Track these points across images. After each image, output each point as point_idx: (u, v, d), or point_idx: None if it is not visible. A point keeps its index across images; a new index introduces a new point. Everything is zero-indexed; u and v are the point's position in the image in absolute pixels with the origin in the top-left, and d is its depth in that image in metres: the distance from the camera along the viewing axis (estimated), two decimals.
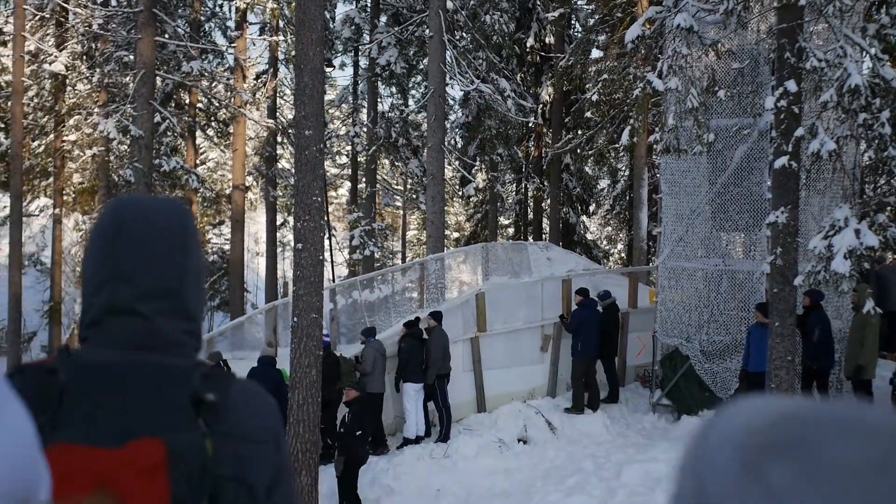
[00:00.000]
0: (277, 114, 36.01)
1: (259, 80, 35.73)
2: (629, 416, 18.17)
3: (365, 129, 33.99)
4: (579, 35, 31.39)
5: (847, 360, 15.14)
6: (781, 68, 12.66)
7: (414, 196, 43.66)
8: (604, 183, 42.41)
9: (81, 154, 30.65)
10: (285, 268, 49.62)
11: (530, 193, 36.57)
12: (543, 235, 36.06)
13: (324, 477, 12.77)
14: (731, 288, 17.48)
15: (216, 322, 42.04)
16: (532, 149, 35.22)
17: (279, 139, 36.39)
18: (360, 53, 35.65)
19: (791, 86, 12.35)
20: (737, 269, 17.52)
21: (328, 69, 35.71)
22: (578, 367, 17.93)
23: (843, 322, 16.10)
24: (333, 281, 35.68)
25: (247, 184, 35.24)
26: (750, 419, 0.99)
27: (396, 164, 36.05)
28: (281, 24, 33.67)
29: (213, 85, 32.50)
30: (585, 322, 17.88)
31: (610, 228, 43.26)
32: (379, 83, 34.33)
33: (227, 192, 40.18)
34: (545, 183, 34.55)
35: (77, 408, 1.70)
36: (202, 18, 33.22)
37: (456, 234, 50.09)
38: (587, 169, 38.34)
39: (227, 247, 41.78)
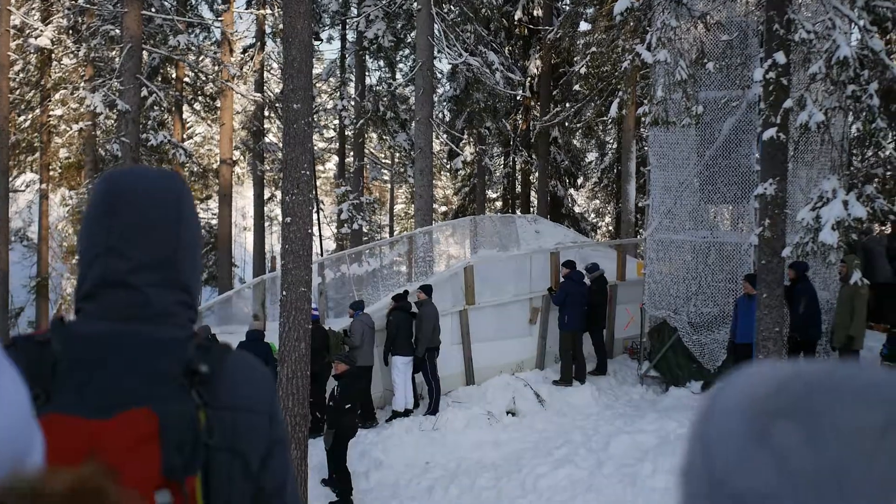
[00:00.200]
0: (265, 88, 35.89)
1: (246, 54, 35.60)
2: (617, 388, 18.23)
3: (352, 103, 33.88)
4: (567, 8, 31.25)
5: (836, 331, 15.17)
6: (770, 40, 12.64)
7: (402, 170, 43.59)
8: (592, 156, 42.41)
9: (68, 129, 30.56)
10: (273, 242, 49.62)
11: (518, 167, 36.54)
12: (531, 209, 36.05)
13: (313, 450, 12.80)
14: (719, 260, 17.52)
15: (204, 297, 41.98)
16: (520, 122, 35.14)
17: (266, 113, 36.28)
18: (347, 27, 35.49)
19: (780, 58, 12.34)
20: (725, 241, 17.55)
21: (316, 42, 35.57)
22: (566, 339, 17.97)
23: (830, 293, 16.16)
24: (322, 255, 35.66)
25: (234, 158, 35.12)
26: (756, 386, 0.99)
27: (384, 137, 35.94)
28: None
29: (200, 59, 32.37)
30: (572, 295, 17.90)
31: (598, 201, 43.25)
32: (367, 57, 34.18)
33: (215, 166, 40.09)
34: (533, 156, 34.49)
35: (70, 379, 1.70)
36: None
37: (444, 208, 50.08)
38: (575, 142, 38.33)
39: (214, 221, 41.65)
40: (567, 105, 32.42)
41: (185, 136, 37.25)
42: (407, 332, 16.52)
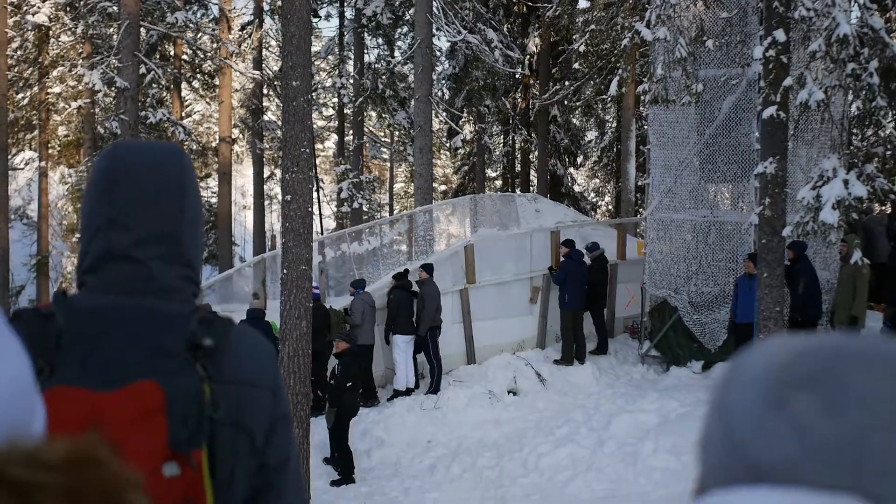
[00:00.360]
0: (263, 65, 35.77)
1: (244, 31, 35.47)
2: (618, 368, 18.26)
3: (351, 81, 33.82)
4: None
5: (837, 311, 15.17)
6: (770, 18, 12.62)
7: (401, 148, 43.54)
8: (591, 135, 42.28)
9: (66, 106, 30.53)
10: (273, 221, 49.54)
11: (518, 145, 36.47)
12: (531, 187, 36.02)
13: (315, 429, 12.81)
14: (720, 239, 17.52)
15: (205, 275, 41.81)
16: (519, 100, 35.07)
17: (265, 91, 36.19)
18: (345, 4, 35.37)
19: (779, 35, 12.32)
20: (725, 220, 17.55)
21: (314, 20, 35.46)
22: (567, 318, 17.99)
23: (830, 273, 16.17)
24: (322, 233, 35.66)
25: (233, 136, 35.06)
26: (775, 355, 0.99)
27: (383, 115, 35.90)
28: None
29: (198, 36, 32.25)
30: (572, 274, 17.90)
31: (597, 180, 43.19)
32: (365, 34, 34.08)
33: (214, 144, 40.01)
34: (532, 135, 34.43)
35: (74, 352, 1.71)
36: None
37: (443, 187, 49.99)
38: (575, 120, 38.23)
39: (214, 200, 41.58)
40: (566, 83, 32.35)
41: (183, 113, 37.19)
42: (408, 311, 16.52)
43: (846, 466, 0.90)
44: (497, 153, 39.71)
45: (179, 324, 1.79)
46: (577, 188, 39.42)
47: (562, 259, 18.35)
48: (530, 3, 31.95)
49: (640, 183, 28.42)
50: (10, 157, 30.09)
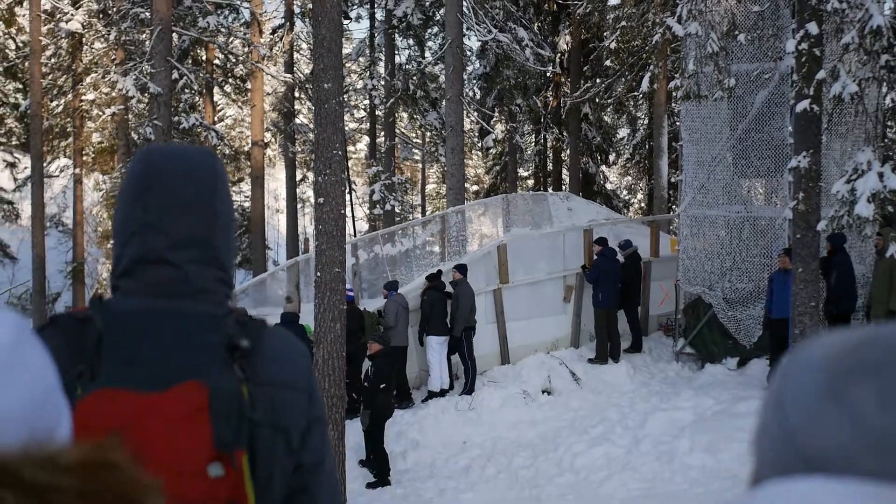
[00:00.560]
0: (295, 68, 35.90)
1: (276, 35, 35.57)
2: (653, 366, 18.20)
3: (382, 82, 33.86)
4: None
5: (874, 305, 15.00)
6: (802, 10, 12.54)
7: (433, 149, 43.59)
8: (623, 132, 42.18)
9: (100, 113, 30.72)
10: (306, 224, 49.76)
11: (549, 144, 36.39)
12: (563, 186, 35.91)
13: (350, 431, 12.83)
14: (754, 235, 17.43)
15: (238, 279, 42.15)
16: (551, 99, 35.00)
17: (297, 94, 36.34)
18: (376, 5, 35.41)
19: (812, 28, 12.24)
20: (759, 215, 17.46)
21: (345, 21, 35.54)
22: (600, 317, 17.95)
23: (866, 267, 16.03)
24: (355, 236, 35.75)
25: (265, 140, 35.18)
26: (833, 347, 0.99)
27: (415, 116, 35.93)
28: None
29: (230, 40, 32.43)
30: (605, 272, 17.88)
31: (630, 178, 43.05)
32: (396, 35, 34.11)
33: (246, 148, 40.16)
34: (564, 133, 34.34)
35: (116, 354, 1.73)
36: None
37: (475, 187, 50.02)
38: (606, 118, 38.11)
39: (247, 204, 41.77)
40: (598, 80, 32.23)
41: (216, 118, 37.38)
42: (441, 312, 16.51)
43: None
44: (529, 152, 39.61)
45: (216, 325, 1.81)
46: (609, 186, 39.35)
47: (595, 257, 18.32)
48: (560, 1, 31.89)
49: (672, 179, 28.32)
50: (45, 164, 30.34)
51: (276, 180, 53.10)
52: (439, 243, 21.09)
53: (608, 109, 37.11)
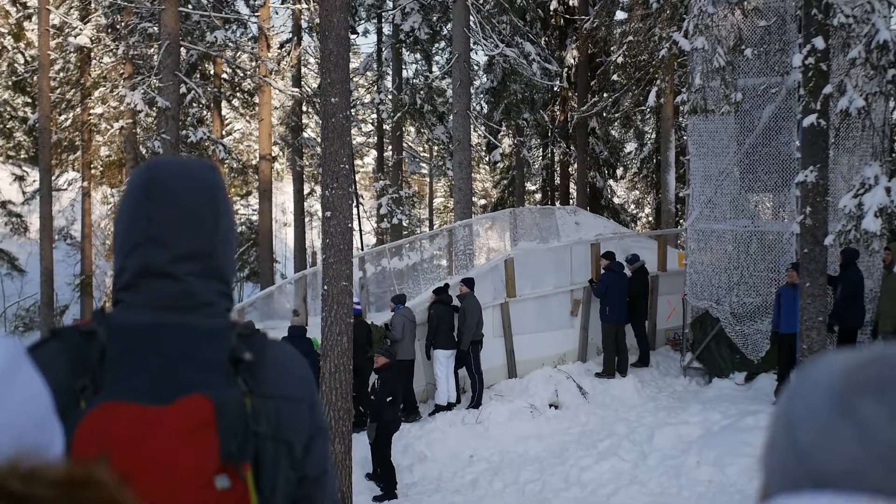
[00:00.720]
0: (302, 83, 35.93)
1: (283, 49, 35.65)
2: (660, 380, 18.19)
3: (390, 97, 33.90)
4: None
5: (882, 320, 14.97)
6: (808, 25, 12.55)
7: (440, 163, 43.58)
8: (630, 146, 42.16)
9: (108, 127, 30.70)
10: (313, 237, 49.70)
11: (557, 158, 36.41)
12: (570, 200, 35.88)
13: (357, 445, 12.82)
14: (761, 249, 17.41)
15: (246, 293, 42.19)
16: (558, 113, 35.03)
17: (304, 108, 36.39)
18: (383, 20, 35.49)
19: (818, 43, 12.25)
20: (766, 229, 17.45)
21: (352, 36, 35.61)
22: (608, 331, 17.95)
23: (873, 282, 16.01)
24: (362, 249, 35.75)
25: (273, 154, 35.22)
26: (842, 364, 0.99)
27: (422, 130, 35.93)
28: None
29: (238, 55, 32.50)
30: (612, 286, 17.89)
31: (637, 192, 43.05)
32: (403, 49, 34.18)
33: (254, 162, 40.17)
34: (571, 147, 34.36)
35: (120, 367, 1.73)
36: None
37: (483, 201, 50.05)
38: (614, 132, 38.12)
39: (255, 217, 41.80)
40: (605, 95, 32.28)
41: (224, 132, 37.38)
42: (448, 326, 16.50)
43: None
44: (536, 166, 39.61)
45: (220, 339, 1.81)
46: (616, 200, 39.30)
47: (602, 271, 18.31)
48: (568, 16, 31.93)
49: (680, 194, 28.31)
50: (53, 178, 30.42)
51: (283, 194, 53.12)
52: (447, 257, 21.09)
53: (615, 124, 37.12)
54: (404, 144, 39.48)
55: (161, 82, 23.28)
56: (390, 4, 33.68)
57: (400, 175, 35.83)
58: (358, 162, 50.84)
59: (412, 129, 39.15)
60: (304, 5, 33.93)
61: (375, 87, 37.04)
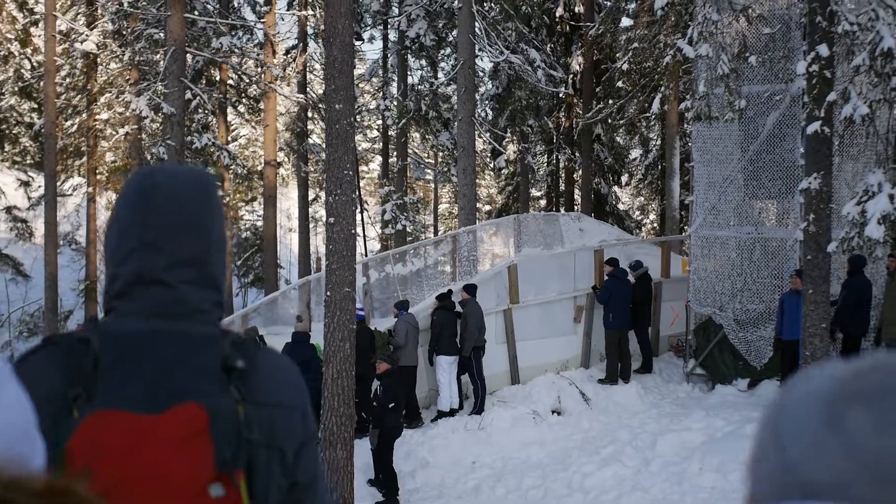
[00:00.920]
0: (308, 89, 36.01)
1: (289, 56, 35.70)
2: (663, 387, 18.17)
3: (395, 103, 33.95)
4: (609, 3, 31.09)
5: (885, 327, 14.93)
6: (813, 32, 12.55)
7: (445, 169, 43.63)
8: (635, 153, 42.20)
9: (114, 133, 30.77)
10: (318, 243, 49.76)
11: (562, 164, 36.40)
12: (575, 206, 35.88)
13: (359, 450, 12.82)
14: (764, 256, 17.41)
15: (250, 298, 42.24)
16: (563, 119, 35.04)
17: (310, 114, 36.44)
18: (389, 26, 35.55)
19: (823, 50, 12.25)
20: (770, 236, 17.44)
21: (357, 43, 35.66)
22: (611, 337, 17.94)
23: (877, 289, 15.98)
24: (366, 255, 35.77)
25: (278, 160, 35.25)
26: (830, 374, 0.99)
27: (427, 137, 35.99)
28: None
29: (243, 61, 32.56)
30: (616, 293, 17.89)
31: (642, 198, 43.07)
32: (408, 56, 34.24)
33: (259, 168, 40.27)
34: (576, 154, 34.37)
35: (113, 376, 1.72)
36: None
37: (488, 207, 50.05)
38: (618, 139, 38.12)
39: (259, 223, 41.89)
40: (610, 101, 32.27)
41: (229, 138, 37.50)
42: (451, 332, 16.49)
43: None
44: (541, 172, 39.63)
45: (212, 346, 1.81)
46: (621, 206, 39.33)
47: (606, 278, 18.32)
48: (573, 22, 31.96)
49: (685, 200, 28.32)
50: (59, 183, 30.44)
51: (288, 199, 53.17)
52: (451, 263, 21.09)
53: (620, 130, 37.11)
54: (409, 150, 39.49)
55: (166, 88, 23.35)
56: (396, 11, 33.76)
57: (405, 181, 35.88)
58: (363, 168, 50.88)
59: (417, 136, 39.17)
60: (310, 12, 34.00)
61: (381, 94, 37.11)
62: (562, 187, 38.05)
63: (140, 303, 1.84)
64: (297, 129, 36.20)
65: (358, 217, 16.37)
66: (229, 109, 35.87)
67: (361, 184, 39.05)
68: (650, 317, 19.19)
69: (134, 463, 1.62)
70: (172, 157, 22.71)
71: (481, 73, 33.27)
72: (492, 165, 35.42)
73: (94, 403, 1.67)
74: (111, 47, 30.16)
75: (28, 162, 40.18)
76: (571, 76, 32.05)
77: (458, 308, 16.73)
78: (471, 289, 16.87)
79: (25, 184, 37.21)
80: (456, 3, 23.95)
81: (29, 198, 37.00)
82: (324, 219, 13.05)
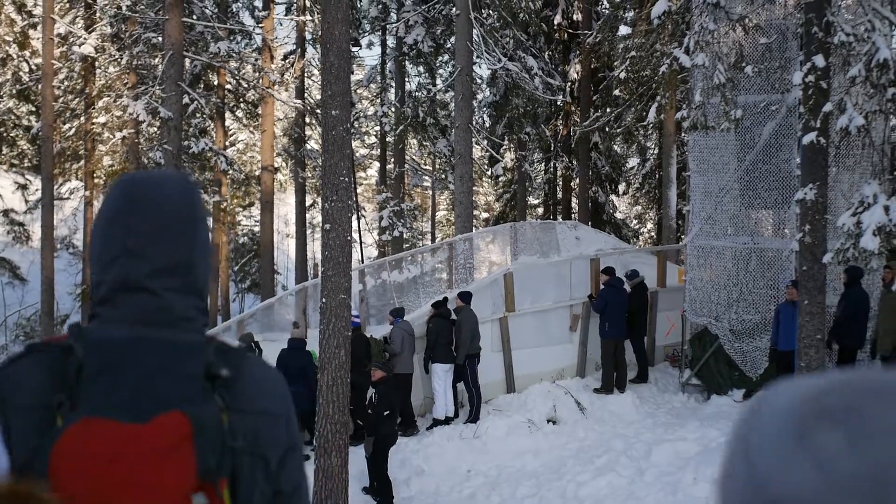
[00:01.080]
0: (306, 94, 36.02)
1: (287, 61, 35.76)
2: (658, 396, 18.17)
3: (393, 109, 33.95)
4: (607, 12, 31.17)
5: (881, 339, 14.93)
6: (809, 43, 12.56)
7: (443, 176, 43.65)
8: (633, 161, 42.20)
9: (111, 136, 30.78)
10: (315, 249, 49.74)
11: (559, 172, 36.43)
12: (572, 215, 35.87)
13: (353, 458, 12.80)
14: (761, 266, 17.41)
15: (247, 304, 42.21)
16: (560, 127, 35.09)
17: (307, 120, 36.45)
18: (387, 32, 35.55)
19: (819, 61, 12.26)
20: (766, 247, 17.45)
21: (355, 49, 35.74)
22: (607, 346, 17.94)
23: (873, 300, 15.99)
24: (363, 262, 35.76)
25: (276, 165, 35.31)
26: (800, 391, 0.99)
27: (425, 143, 36.01)
28: (307, 3, 33.67)
29: (241, 66, 32.56)
30: (612, 302, 17.88)
31: (639, 207, 43.10)
32: (406, 62, 34.26)
33: (257, 173, 40.27)
34: (574, 162, 34.39)
35: (97, 384, 1.71)
36: None
37: (485, 215, 50.13)
38: (616, 147, 38.15)
39: (256, 229, 41.91)
40: (607, 110, 32.32)
41: (227, 143, 37.45)
42: (446, 340, 16.47)
43: (867, 502, 0.89)
44: (538, 180, 39.63)
45: (197, 354, 1.80)
46: (618, 215, 39.34)
47: (602, 287, 18.31)
48: (571, 31, 32.00)
49: (682, 210, 28.31)
50: (56, 186, 30.43)
51: (286, 205, 53.21)
52: (447, 270, 21.08)
53: (618, 139, 37.18)
54: (407, 157, 39.53)
55: (164, 92, 23.34)
56: (394, 17, 33.77)
57: (402, 188, 35.88)
58: (361, 174, 50.90)
59: (415, 142, 39.20)
60: (308, 17, 34.04)
61: (379, 100, 37.10)
62: (559, 195, 38.07)
63: (124, 310, 1.83)
64: (294, 135, 36.18)
65: (354, 223, 16.38)
66: (227, 114, 35.85)
67: (359, 190, 39.15)
68: (646, 326, 19.20)
69: (118, 472, 1.61)
70: (169, 161, 22.70)
71: (479, 81, 33.36)
72: (489, 173, 35.41)
73: (79, 411, 1.66)
74: (109, 51, 30.17)
75: (25, 165, 40.25)
76: (569, 84, 32.10)
77: (454, 316, 16.72)
78: (465, 296, 16.85)
79: (23, 187, 37.20)
80: (454, 9, 23.93)
81: (26, 201, 36.99)
82: (320, 224, 13.05)
